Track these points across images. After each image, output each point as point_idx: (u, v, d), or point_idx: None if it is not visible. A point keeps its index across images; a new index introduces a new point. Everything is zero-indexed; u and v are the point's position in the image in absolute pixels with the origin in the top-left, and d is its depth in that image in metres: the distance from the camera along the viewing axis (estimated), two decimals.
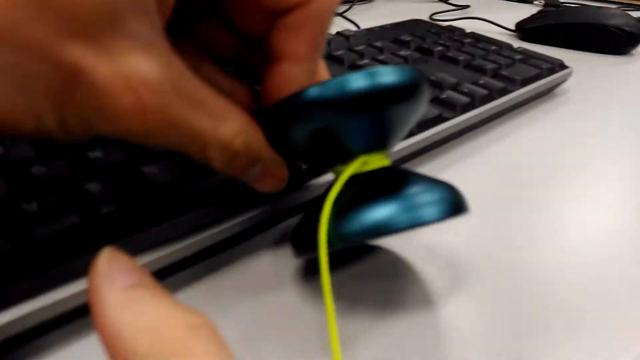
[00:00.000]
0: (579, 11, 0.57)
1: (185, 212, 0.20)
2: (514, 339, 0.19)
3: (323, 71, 0.21)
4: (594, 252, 0.24)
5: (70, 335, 0.18)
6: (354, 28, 0.52)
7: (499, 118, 0.36)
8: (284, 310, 0.19)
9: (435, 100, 0.32)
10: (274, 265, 0.21)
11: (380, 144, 0.19)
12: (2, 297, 0.16)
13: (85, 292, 0.15)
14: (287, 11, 0.17)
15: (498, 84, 0.35)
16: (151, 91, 0.14)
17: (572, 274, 0.22)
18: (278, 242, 0.23)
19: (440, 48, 0.41)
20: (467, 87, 0.34)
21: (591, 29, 0.54)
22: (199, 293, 0.20)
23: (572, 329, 0.20)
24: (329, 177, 0.24)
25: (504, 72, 0.38)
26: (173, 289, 0.20)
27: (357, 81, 0.16)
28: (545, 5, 0.72)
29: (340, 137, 0.18)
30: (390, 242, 0.23)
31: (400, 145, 0.27)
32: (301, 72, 0.18)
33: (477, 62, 0.39)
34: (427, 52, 0.41)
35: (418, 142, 0.29)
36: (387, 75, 0.17)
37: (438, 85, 0.34)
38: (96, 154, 0.21)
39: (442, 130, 0.30)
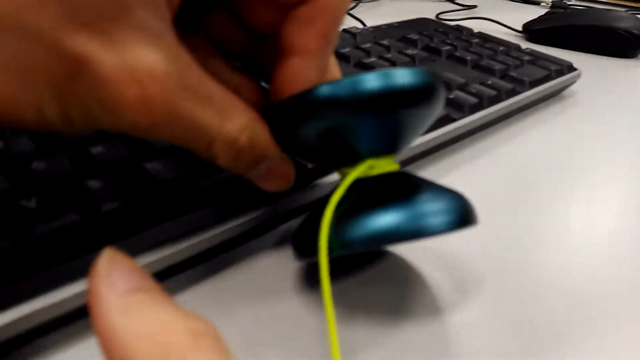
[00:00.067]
0: (587, 13, 0.56)
1: (187, 211, 0.20)
2: (524, 347, 0.18)
3: (334, 68, 0.20)
4: (603, 254, 0.23)
5: (69, 337, 0.17)
6: (360, 26, 0.51)
7: (507, 119, 0.36)
8: (285, 315, 0.19)
9: None
10: (276, 268, 0.21)
11: (389, 147, 0.18)
12: (0, 297, 0.15)
13: (85, 293, 0.15)
14: (298, 4, 0.17)
15: (507, 84, 0.35)
16: (157, 84, 0.13)
17: (580, 277, 0.22)
18: (281, 244, 0.22)
19: (448, 47, 0.41)
20: (476, 87, 0.34)
21: (599, 32, 0.53)
22: (198, 296, 0.19)
23: (581, 332, 0.19)
24: (335, 177, 0.23)
25: (513, 73, 0.37)
26: (172, 291, 0.19)
27: (371, 81, 0.16)
28: (552, 6, 0.71)
29: (348, 138, 0.17)
30: (395, 245, 0.23)
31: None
32: (312, 67, 0.17)
33: (485, 62, 0.39)
34: (434, 52, 0.40)
35: (425, 142, 0.28)
36: (403, 76, 0.16)
37: (446, 85, 0.34)
38: (98, 149, 0.21)
39: (450, 131, 0.30)
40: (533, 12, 0.64)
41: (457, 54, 0.40)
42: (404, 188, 0.17)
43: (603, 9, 0.59)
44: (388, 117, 0.17)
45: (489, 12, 0.64)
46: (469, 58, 0.39)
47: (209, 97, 0.15)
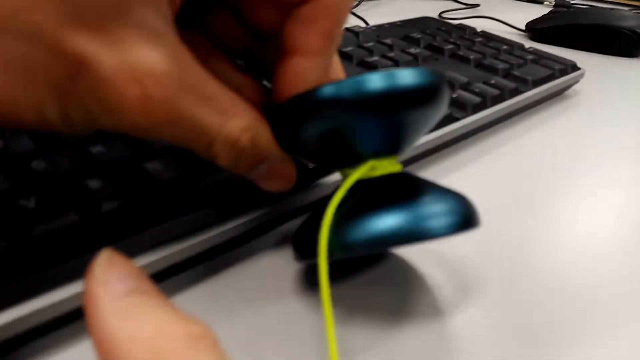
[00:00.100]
0: (591, 12, 0.56)
1: (187, 211, 0.19)
2: (525, 349, 0.18)
3: (338, 68, 0.20)
4: (606, 257, 0.23)
5: (69, 337, 0.17)
6: (362, 25, 0.51)
7: (510, 119, 0.36)
8: (284, 316, 0.19)
9: None
10: (276, 268, 0.21)
11: (392, 148, 0.18)
12: None
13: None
14: (301, 3, 0.17)
15: (510, 84, 0.35)
16: (157, 83, 0.13)
17: (583, 278, 0.22)
18: (281, 244, 0.22)
19: (450, 46, 0.41)
20: (479, 86, 0.33)
21: (603, 31, 0.53)
22: (198, 296, 0.19)
23: (582, 334, 0.19)
24: (337, 176, 0.23)
25: (516, 72, 0.37)
26: (172, 291, 0.19)
27: (375, 82, 0.16)
28: (555, 5, 0.71)
29: (351, 139, 0.17)
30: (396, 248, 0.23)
31: None
32: (314, 67, 0.17)
33: (489, 61, 0.38)
34: (437, 50, 0.40)
35: (428, 142, 0.28)
36: (407, 77, 0.16)
37: (449, 84, 0.34)
38: (98, 148, 0.21)
39: (453, 131, 0.29)
40: (536, 11, 0.64)
41: (460, 53, 0.40)
42: (406, 190, 0.17)
43: (606, 7, 0.59)
44: (391, 118, 0.16)
45: (492, 11, 0.64)
46: (471, 57, 0.39)
47: (210, 96, 0.15)
